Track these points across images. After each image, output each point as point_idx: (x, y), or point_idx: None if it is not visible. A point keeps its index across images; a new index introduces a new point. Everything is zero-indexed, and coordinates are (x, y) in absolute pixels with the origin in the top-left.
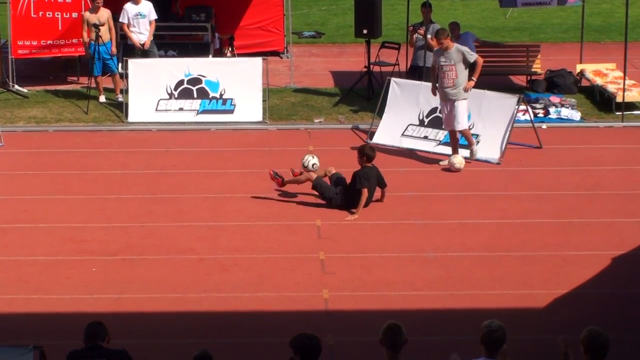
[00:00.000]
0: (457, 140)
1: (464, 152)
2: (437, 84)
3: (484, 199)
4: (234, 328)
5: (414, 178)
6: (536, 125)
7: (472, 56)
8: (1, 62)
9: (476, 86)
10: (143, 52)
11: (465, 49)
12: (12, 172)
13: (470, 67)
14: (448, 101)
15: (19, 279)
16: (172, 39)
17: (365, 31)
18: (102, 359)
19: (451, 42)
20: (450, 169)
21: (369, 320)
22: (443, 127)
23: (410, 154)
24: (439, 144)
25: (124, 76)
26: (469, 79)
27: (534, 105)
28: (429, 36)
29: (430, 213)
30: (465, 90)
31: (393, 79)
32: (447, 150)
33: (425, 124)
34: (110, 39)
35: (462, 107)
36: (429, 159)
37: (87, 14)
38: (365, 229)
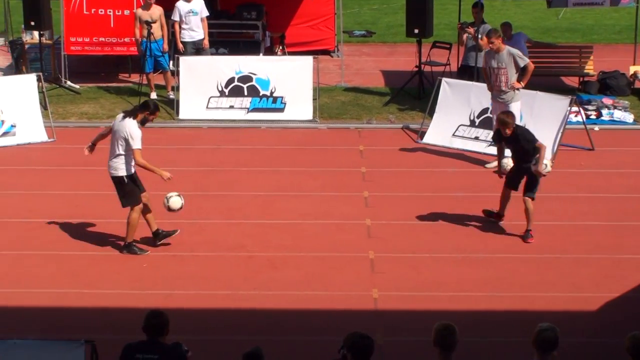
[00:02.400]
0: None
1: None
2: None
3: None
4: (284, 326)
5: (463, 178)
6: (588, 127)
7: (523, 60)
8: (54, 59)
9: (528, 87)
10: (196, 50)
11: (516, 52)
12: (64, 167)
13: (521, 71)
14: (499, 103)
15: (70, 274)
16: (223, 37)
17: (416, 31)
18: (156, 354)
19: (503, 45)
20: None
21: (418, 320)
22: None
23: (460, 154)
24: (489, 145)
25: (175, 73)
26: (518, 80)
27: (586, 107)
28: (479, 36)
29: (480, 214)
30: (512, 88)
31: (444, 79)
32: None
33: (476, 124)
34: (162, 36)
35: (514, 110)
36: (480, 160)
37: (139, 11)
38: (414, 229)
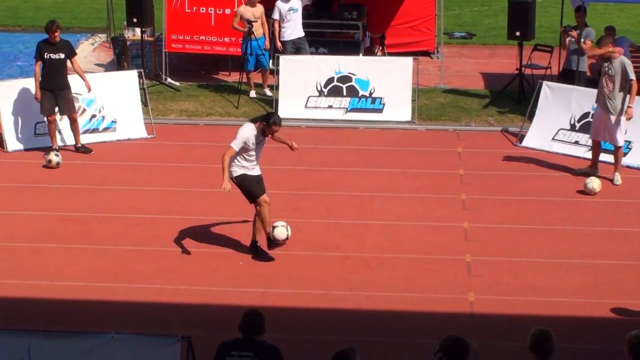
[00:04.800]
0: (599, 152)
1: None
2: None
3: (635, 207)
4: (379, 327)
5: (563, 183)
6: None
7: (630, 75)
8: (155, 56)
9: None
10: (295, 49)
11: (628, 63)
12: (163, 163)
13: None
14: (604, 110)
15: (168, 270)
16: (323, 37)
17: (518, 33)
18: (252, 351)
19: (616, 53)
20: (586, 189)
21: (514, 324)
22: (590, 136)
23: (560, 158)
24: (589, 150)
25: (275, 72)
26: (627, 104)
27: None
28: (582, 40)
29: (579, 219)
30: (628, 118)
31: (545, 83)
32: (601, 156)
33: (577, 128)
34: (264, 34)
35: (621, 122)
36: (580, 165)
37: (242, 8)
38: (512, 233)
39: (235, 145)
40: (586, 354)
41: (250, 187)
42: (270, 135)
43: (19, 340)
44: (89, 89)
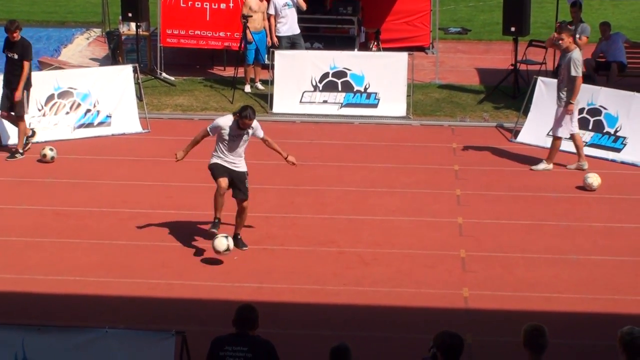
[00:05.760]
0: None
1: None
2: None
3: (629, 203)
4: (373, 322)
5: (558, 179)
6: None
7: (574, 71)
8: (150, 50)
9: (626, 88)
10: (290, 44)
11: (576, 59)
12: (158, 158)
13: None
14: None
15: (162, 264)
16: (318, 32)
17: (513, 29)
18: (246, 346)
19: (572, 44)
20: (584, 185)
21: (509, 320)
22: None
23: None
24: (585, 145)
25: (270, 67)
26: (568, 102)
27: None
28: (577, 36)
29: (574, 214)
30: (567, 113)
31: (540, 78)
32: (593, 151)
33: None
34: (264, 28)
35: (564, 114)
36: (574, 161)
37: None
38: (507, 229)
39: (209, 128)
40: (581, 350)
41: (213, 171)
42: (243, 128)
43: (13, 335)
44: (16, 98)
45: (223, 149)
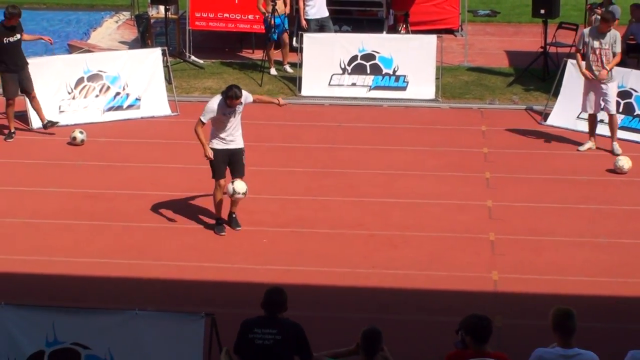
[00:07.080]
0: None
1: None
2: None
3: None
4: (403, 305)
5: (587, 162)
6: None
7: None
8: (179, 33)
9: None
10: (319, 27)
11: (618, 36)
12: (187, 141)
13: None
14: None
15: (191, 247)
16: (347, 14)
17: (542, 11)
18: (275, 329)
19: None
20: (615, 168)
21: (538, 303)
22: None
23: (585, 137)
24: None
25: (298, 50)
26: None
27: None
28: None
29: (604, 197)
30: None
31: (570, 61)
32: (624, 134)
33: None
34: (285, 13)
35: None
36: (605, 144)
37: None
38: (536, 212)
39: (203, 117)
40: (610, 333)
41: (213, 166)
42: (230, 106)
43: (43, 316)
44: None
45: (220, 127)
